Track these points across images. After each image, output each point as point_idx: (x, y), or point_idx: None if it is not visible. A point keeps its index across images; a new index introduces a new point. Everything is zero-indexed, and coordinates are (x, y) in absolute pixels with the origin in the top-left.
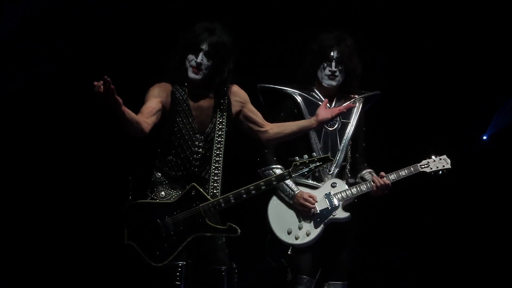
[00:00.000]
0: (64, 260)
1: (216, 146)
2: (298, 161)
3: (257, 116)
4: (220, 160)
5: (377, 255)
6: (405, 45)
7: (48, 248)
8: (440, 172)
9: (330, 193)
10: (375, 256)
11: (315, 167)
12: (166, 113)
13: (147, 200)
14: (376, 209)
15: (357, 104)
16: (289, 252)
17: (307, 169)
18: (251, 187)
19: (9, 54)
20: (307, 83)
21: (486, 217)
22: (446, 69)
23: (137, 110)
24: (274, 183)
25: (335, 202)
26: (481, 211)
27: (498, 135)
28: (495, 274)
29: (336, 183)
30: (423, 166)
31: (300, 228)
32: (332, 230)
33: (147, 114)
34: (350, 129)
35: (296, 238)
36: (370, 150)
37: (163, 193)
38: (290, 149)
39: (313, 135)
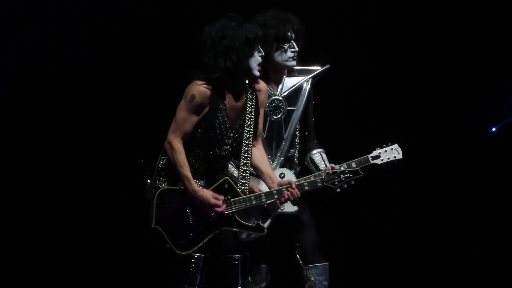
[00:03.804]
0: (64, 260)
1: (245, 143)
2: (331, 170)
3: (258, 125)
4: (248, 157)
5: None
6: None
7: (48, 248)
8: (391, 164)
9: None
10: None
11: (346, 178)
12: (204, 113)
13: (178, 187)
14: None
15: (304, 85)
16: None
17: (338, 179)
18: (283, 189)
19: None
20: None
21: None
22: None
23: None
24: (306, 188)
25: None
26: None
27: (508, 127)
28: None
29: (284, 174)
30: (374, 158)
31: None
32: (285, 219)
33: (186, 131)
34: (296, 115)
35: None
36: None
37: None
38: None
39: None
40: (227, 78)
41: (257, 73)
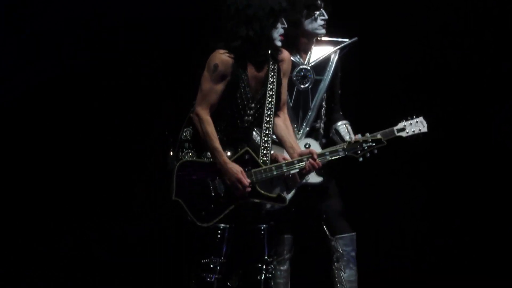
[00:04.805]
0: (91, 230)
1: (266, 113)
2: (353, 139)
3: (282, 95)
4: (270, 127)
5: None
6: None
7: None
8: (416, 137)
9: None
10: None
11: (368, 147)
12: (226, 83)
13: (199, 159)
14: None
15: (332, 56)
16: None
17: (360, 148)
18: (304, 159)
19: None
20: (290, 43)
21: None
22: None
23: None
24: (328, 157)
25: None
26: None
27: None
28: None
29: (309, 144)
30: (399, 130)
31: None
32: (310, 190)
33: (213, 101)
34: (323, 85)
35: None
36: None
37: (209, 153)
38: None
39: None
40: (248, 48)
41: (279, 43)
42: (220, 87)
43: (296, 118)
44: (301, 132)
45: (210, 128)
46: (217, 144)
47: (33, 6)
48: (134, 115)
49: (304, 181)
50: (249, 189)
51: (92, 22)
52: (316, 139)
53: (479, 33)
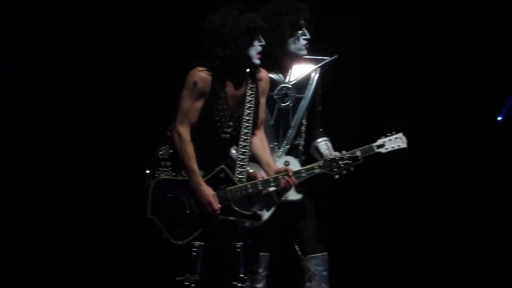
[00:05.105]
0: (63, 251)
1: (243, 131)
2: (329, 157)
3: (260, 114)
4: (247, 146)
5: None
6: None
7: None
8: (396, 153)
9: None
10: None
11: (345, 164)
12: (205, 101)
13: (174, 177)
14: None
15: (313, 74)
16: None
17: (336, 166)
18: (279, 177)
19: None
20: (272, 61)
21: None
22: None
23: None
24: (303, 175)
25: None
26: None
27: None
28: None
29: (289, 162)
30: (378, 147)
31: None
32: (289, 207)
33: (194, 119)
34: (304, 103)
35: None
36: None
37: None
38: None
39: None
40: (226, 67)
41: (257, 61)
42: (199, 104)
43: (277, 136)
44: (281, 150)
45: (190, 148)
46: (194, 164)
47: (33, 6)
48: (134, 115)
49: (283, 198)
50: (219, 212)
51: (92, 22)
52: (296, 156)
53: (479, 33)
